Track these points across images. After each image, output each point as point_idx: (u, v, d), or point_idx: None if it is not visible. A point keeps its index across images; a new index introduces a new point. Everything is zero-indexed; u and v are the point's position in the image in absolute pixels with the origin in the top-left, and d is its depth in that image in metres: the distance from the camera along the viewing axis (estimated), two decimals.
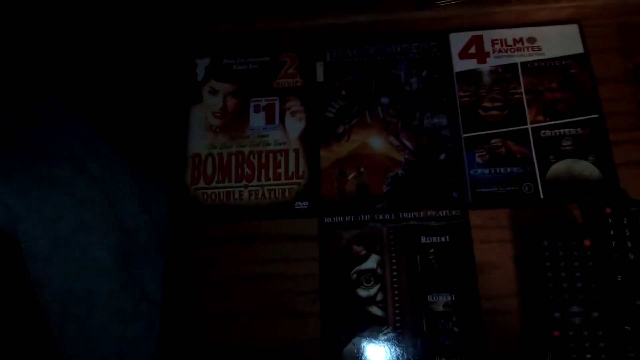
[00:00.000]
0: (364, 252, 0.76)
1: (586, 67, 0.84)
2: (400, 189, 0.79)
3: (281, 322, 0.75)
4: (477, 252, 0.75)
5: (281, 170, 0.81)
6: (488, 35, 0.87)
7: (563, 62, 0.84)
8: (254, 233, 0.79)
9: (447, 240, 0.75)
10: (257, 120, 0.84)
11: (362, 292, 0.74)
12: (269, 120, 0.84)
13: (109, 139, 0.81)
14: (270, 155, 0.82)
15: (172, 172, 0.83)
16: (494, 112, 0.82)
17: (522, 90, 0.83)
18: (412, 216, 0.77)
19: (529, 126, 0.81)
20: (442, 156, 0.80)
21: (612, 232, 0.72)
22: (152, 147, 0.86)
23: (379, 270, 0.74)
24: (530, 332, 0.72)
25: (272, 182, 0.81)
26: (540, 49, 0.85)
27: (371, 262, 0.75)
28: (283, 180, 0.81)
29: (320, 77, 0.86)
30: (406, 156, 0.80)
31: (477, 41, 0.87)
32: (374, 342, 0.72)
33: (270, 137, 0.83)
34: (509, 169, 0.79)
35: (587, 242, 0.72)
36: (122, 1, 0.88)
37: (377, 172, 0.80)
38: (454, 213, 0.77)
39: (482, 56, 0.86)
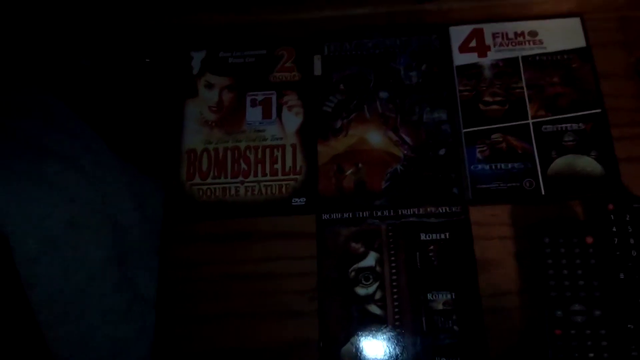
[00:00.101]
0: (362, 249, 0.74)
1: (588, 62, 0.82)
2: (399, 185, 0.77)
3: (278, 321, 0.73)
4: (477, 249, 0.74)
5: (278, 166, 0.80)
6: (489, 28, 0.85)
7: (565, 56, 0.83)
8: (251, 230, 0.78)
9: (447, 237, 0.74)
10: (253, 114, 0.83)
11: (361, 291, 0.72)
12: (266, 114, 0.82)
13: (102, 133, 0.80)
14: (267, 150, 0.80)
15: (166, 167, 0.81)
16: (494, 107, 0.80)
17: (524, 84, 0.81)
18: (412, 213, 0.75)
19: (530, 121, 0.79)
20: (442, 151, 0.78)
21: (614, 229, 0.71)
22: (146, 142, 0.85)
23: (377, 268, 0.73)
24: (532, 331, 0.71)
25: (268, 178, 0.79)
26: (541, 43, 0.84)
27: (370, 260, 0.73)
28: (280, 176, 0.79)
29: (317, 70, 0.84)
30: (405, 152, 0.79)
31: (478, 34, 0.85)
32: (373, 342, 0.70)
33: (267, 132, 0.81)
34: (509, 165, 0.77)
35: (589, 239, 0.71)
36: None
37: (375, 167, 0.78)
38: (454, 209, 0.75)
39: (482, 50, 0.84)
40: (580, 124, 0.79)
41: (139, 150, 0.84)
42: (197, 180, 0.80)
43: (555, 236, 0.71)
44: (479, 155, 0.78)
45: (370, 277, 0.73)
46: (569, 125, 0.79)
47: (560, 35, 0.84)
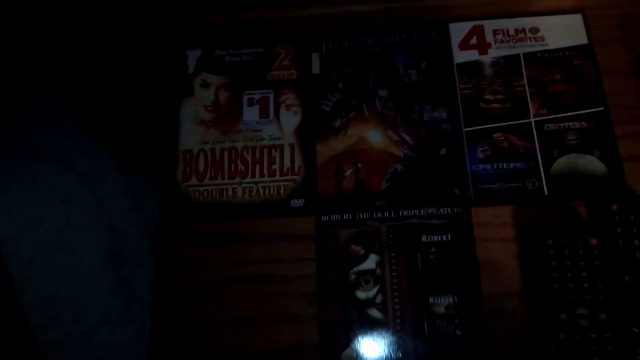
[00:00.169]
0: (362, 251, 0.73)
1: (590, 58, 0.81)
2: (399, 186, 0.76)
3: (277, 325, 0.72)
4: (479, 251, 0.73)
5: (276, 167, 0.78)
6: (489, 25, 0.84)
7: (567, 53, 0.82)
8: (248, 232, 0.76)
9: (449, 239, 0.72)
10: (250, 114, 0.81)
11: (361, 294, 0.71)
12: (263, 114, 0.81)
13: (96, 133, 0.78)
14: (265, 150, 0.79)
15: (162, 168, 0.80)
16: (495, 105, 0.79)
17: (525, 82, 0.80)
18: (412, 214, 0.74)
19: (532, 119, 0.78)
20: (443, 151, 0.77)
21: (618, 230, 0.70)
22: (141, 143, 0.83)
23: (378, 271, 0.72)
24: (535, 334, 0.69)
25: (266, 178, 0.78)
26: (543, 40, 0.83)
27: (370, 262, 0.72)
28: (278, 177, 0.78)
29: (316, 69, 0.83)
30: (405, 151, 0.77)
31: (478, 31, 0.84)
32: (373, 347, 0.69)
33: (265, 132, 0.80)
34: (511, 165, 0.76)
35: (594, 241, 0.70)
36: None
37: (375, 168, 0.77)
38: (455, 210, 0.74)
39: (483, 47, 0.83)
40: (583, 123, 0.77)
41: (134, 150, 0.82)
42: (193, 181, 0.78)
43: (558, 238, 0.70)
44: (480, 155, 0.77)
45: (371, 280, 0.71)
46: (571, 123, 0.78)
47: (562, 31, 0.83)
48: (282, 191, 0.77)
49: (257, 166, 0.78)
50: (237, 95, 0.82)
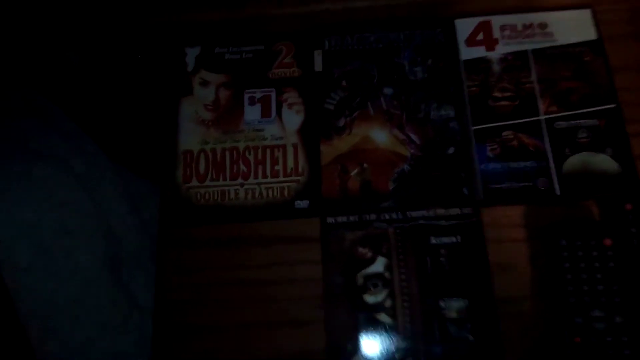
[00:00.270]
0: (369, 254, 0.71)
1: (600, 55, 0.79)
2: (406, 186, 0.74)
3: (281, 331, 0.70)
4: (489, 253, 0.70)
5: (279, 167, 0.76)
6: (496, 20, 0.82)
7: (576, 49, 0.80)
8: (251, 235, 0.74)
9: (459, 240, 0.70)
10: (252, 113, 0.79)
11: (369, 298, 0.69)
12: (265, 113, 0.79)
13: (94, 134, 0.76)
14: (267, 150, 0.77)
15: (162, 169, 0.77)
16: (504, 103, 0.77)
17: (534, 79, 0.78)
18: (421, 215, 0.72)
19: (542, 117, 0.76)
20: (451, 150, 0.75)
21: (633, 230, 0.68)
22: (140, 143, 0.81)
23: (386, 274, 0.70)
24: (549, 338, 0.67)
25: (269, 179, 0.75)
26: (552, 35, 0.81)
27: (378, 265, 0.70)
28: (281, 178, 0.76)
29: (318, 66, 0.81)
30: (412, 150, 0.75)
31: (485, 27, 0.82)
32: (382, 353, 0.67)
33: (267, 132, 0.78)
34: (522, 164, 0.74)
35: (608, 242, 0.68)
36: None
37: (381, 168, 0.75)
38: (465, 211, 0.72)
39: (490, 43, 0.81)
40: (594, 120, 0.75)
41: (133, 151, 0.80)
42: (194, 182, 0.76)
43: (572, 238, 0.68)
44: (489, 154, 0.75)
45: (379, 283, 0.69)
46: (582, 121, 0.76)
47: (571, 27, 0.81)
48: (285, 192, 0.75)
49: (260, 167, 0.76)
50: (237, 94, 0.80)
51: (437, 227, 0.71)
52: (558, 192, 0.72)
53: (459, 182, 0.74)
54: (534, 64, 0.79)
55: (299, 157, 0.76)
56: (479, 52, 0.80)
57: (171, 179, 0.76)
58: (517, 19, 0.82)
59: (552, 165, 0.74)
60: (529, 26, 0.81)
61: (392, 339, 0.67)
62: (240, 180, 0.76)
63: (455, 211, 0.72)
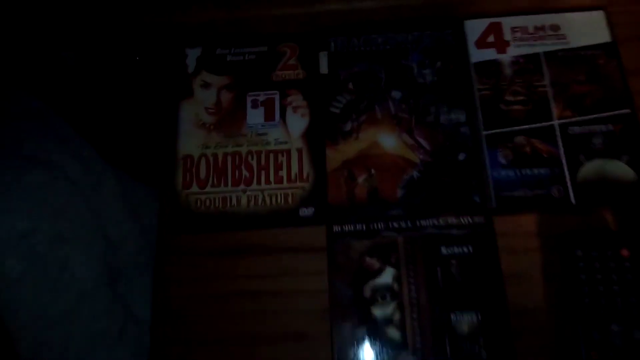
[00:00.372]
0: (377, 264, 0.68)
1: (614, 57, 0.76)
2: (415, 193, 0.71)
3: (285, 345, 0.67)
4: (501, 263, 0.67)
5: (283, 173, 0.73)
6: (507, 22, 0.80)
7: (590, 52, 0.77)
8: (254, 244, 0.71)
9: (470, 250, 0.67)
10: (255, 116, 0.76)
11: (377, 311, 0.66)
12: (269, 116, 0.76)
13: (90, 138, 0.73)
14: (271, 155, 0.74)
15: (161, 175, 0.75)
16: (516, 107, 0.74)
17: (547, 82, 0.75)
18: (431, 224, 0.69)
19: (555, 122, 0.73)
20: (462, 156, 0.72)
21: None
22: (138, 148, 0.78)
23: (395, 286, 0.67)
24: (564, 353, 0.65)
25: (273, 186, 0.73)
26: (564, 38, 0.78)
27: (386, 277, 0.67)
28: (285, 184, 0.73)
29: (324, 68, 0.78)
30: (421, 156, 0.72)
31: (496, 29, 0.79)
32: None
33: (270, 136, 0.75)
34: (535, 170, 0.71)
35: (625, 252, 0.65)
36: None
37: (389, 174, 0.72)
38: (476, 220, 0.69)
39: (501, 45, 0.78)
40: (609, 125, 0.73)
41: (131, 156, 0.77)
42: (194, 188, 0.73)
43: (588, 249, 0.65)
44: (501, 160, 0.72)
45: (387, 295, 0.66)
46: (597, 126, 0.73)
47: (584, 29, 0.79)
48: (290, 199, 0.72)
49: (263, 172, 0.73)
50: (240, 97, 0.77)
51: (447, 237, 0.68)
52: (573, 200, 0.70)
53: (470, 189, 0.71)
54: (546, 67, 0.77)
55: (304, 163, 0.74)
56: (490, 54, 0.78)
57: (171, 185, 0.74)
58: (528, 21, 0.79)
59: (566, 172, 0.71)
60: (541, 28, 0.79)
61: (400, 354, 0.64)
62: (242, 187, 0.73)
63: (466, 220, 0.69)
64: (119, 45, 0.83)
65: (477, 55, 0.78)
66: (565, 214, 0.70)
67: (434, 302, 0.66)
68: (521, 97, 0.75)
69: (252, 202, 0.72)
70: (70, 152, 0.70)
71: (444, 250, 0.68)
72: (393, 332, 0.65)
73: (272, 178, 0.73)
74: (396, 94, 0.76)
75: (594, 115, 0.74)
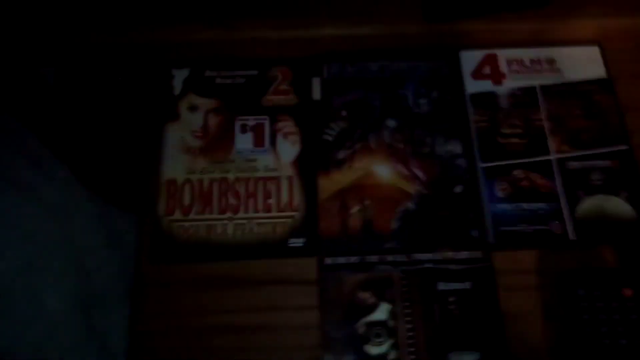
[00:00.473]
0: (372, 299, 0.64)
1: (610, 93, 0.76)
2: (411, 226, 0.68)
3: None
4: (500, 301, 0.65)
5: (272, 201, 0.70)
6: (503, 54, 0.79)
7: (585, 87, 0.76)
8: (240, 275, 0.67)
9: (469, 287, 0.64)
10: (243, 141, 0.73)
11: (372, 349, 0.62)
12: (258, 142, 0.73)
13: (68, 160, 0.68)
14: (260, 183, 0.71)
15: (142, 200, 0.71)
16: (514, 140, 0.73)
17: (543, 116, 0.74)
18: (427, 258, 0.66)
19: (553, 157, 0.72)
20: (458, 188, 0.70)
21: None
22: (119, 171, 0.74)
23: (390, 323, 0.63)
24: None
25: (261, 214, 0.69)
26: (560, 72, 0.78)
27: (381, 313, 0.64)
28: (274, 213, 0.69)
29: (317, 94, 0.75)
30: (417, 188, 0.70)
31: (492, 60, 0.78)
32: None
33: (259, 162, 0.72)
34: (534, 205, 0.69)
35: (628, 292, 0.63)
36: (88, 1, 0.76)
37: (384, 205, 0.69)
38: (474, 255, 0.66)
39: (497, 77, 0.77)
40: (607, 161, 0.71)
41: (111, 180, 0.72)
42: (177, 215, 0.69)
43: (590, 288, 0.63)
44: (499, 194, 0.70)
45: (382, 333, 0.63)
46: (595, 162, 0.71)
47: (579, 64, 0.78)
48: (279, 229, 0.69)
49: (251, 200, 0.70)
50: (228, 121, 0.74)
51: (445, 272, 0.65)
52: (572, 236, 0.68)
53: (468, 223, 0.68)
54: (543, 101, 0.75)
55: (294, 191, 0.70)
56: (486, 85, 0.77)
57: (152, 211, 0.70)
58: (524, 54, 0.79)
59: (565, 208, 0.69)
60: (537, 61, 0.78)
61: None
62: (229, 214, 0.69)
63: (464, 255, 0.66)
64: (102, 63, 0.79)
65: (473, 86, 0.76)
66: (565, 250, 0.68)
67: (431, 341, 0.63)
68: (518, 130, 0.73)
69: (239, 231, 0.69)
70: (45, 174, 0.66)
71: (441, 285, 0.65)
72: None
73: (260, 206, 0.70)
74: (391, 123, 0.74)
75: (592, 151, 0.72)
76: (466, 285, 0.65)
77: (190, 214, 0.70)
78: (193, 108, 0.75)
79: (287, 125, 0.74)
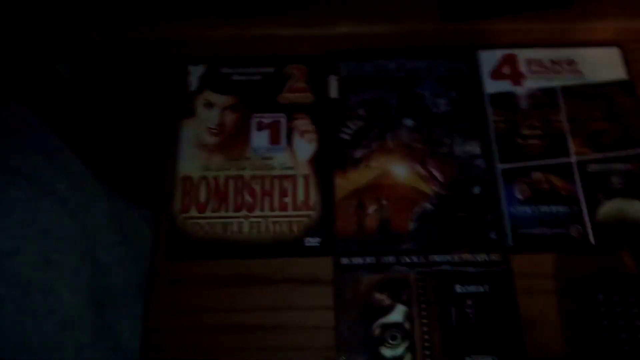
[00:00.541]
0: (388, 301, 0.64)
1: (632, 95, 0.74)
2: (428, 227, 0.67)
3: None
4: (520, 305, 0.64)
5: (288, 200, 0.69)
6: (522, 54, 0.77)
7: (606, 89, 0.75)
8: (255, 274, 0.67)
9: (487, 290, 0.64)
10: (260, 139, 0.72)
11: (387, 352, 0.61)
12: (274, 140, 0.72)
13: (83, 155, 0.68)
14: (276, 181, 0.70)
15: (157, 197, 0.70)
16: (533, 141, 0.72)
17: (563, 117, 0.73)
18: (445, 260, 0.65)
19: (573, 159, 0.71)
20: (477, 189, 0.69)
21: None
22: (134, 167, 0.73)
23: (406, 325, 0.62)
24: None
25: (277, 213, 0.69)
26: (580, 73, 0.76)
27: (397, 315, 0.63)
28: (290, 212, 0.69)
29: (334, 92, 0.75)
30: (435, 188, 0.69)
31: (511, 60, 0.77)
32: None
33: (276, 160, 0.71)
34: (553, 208, 0.68)
35: None
36: None
37: (401, 205, 0.68)
38: (493, 257, 0.65)
39: (517, 77, 0.76)
40: (628, 165, 0.70)
41: (126, 176, 0.72)
42: (193, 212, 0.69)
43: (610, 293, 0.62)
44: (518, 196, 0.69)
45: (398, 335, 0.62)
46: (615, 165, 0.70)
47: (600, 65, 0.77)
48: (294, 228, 0.68)
49: (267, 198, 0.69)
50: (244, 118, 0.74)
51: (463, 274, 0.65)
52: (592, 240, 0.67)
53: (486, 225, 0.67)
54: (563, 102, 0.74)
55: (311, 190, 0.70)
56: (505, 86, 0.76)
57: (167, 208, 0.69)
58: (544, 54, 0.78)
59: (585, 211, 0.68)
60: (557, 62, 0.77)
61: None
62: (244, 212, 0.69)
63: (482, 257, 0.65)
64: (118, 59, 0.79)
65: (492, 86, 0.76)
66: (584, 255, 0.67)
67: (447, 344, 0.62)
68: (538, 132, 0.72)
69: (255, 230, 0.68)
70: (61, 168, 0.66)
71: (458, 288, 0.64)
72: None
73: (276, 205, 0.69)
74: (408, 122, 0.73)
75: (613, 154, 0.71)
76: (484, 288, 0.64)
77: (205, 211, 0.69)
78: (209, 105, 0.74)
79: (303, 123, 0.73)
